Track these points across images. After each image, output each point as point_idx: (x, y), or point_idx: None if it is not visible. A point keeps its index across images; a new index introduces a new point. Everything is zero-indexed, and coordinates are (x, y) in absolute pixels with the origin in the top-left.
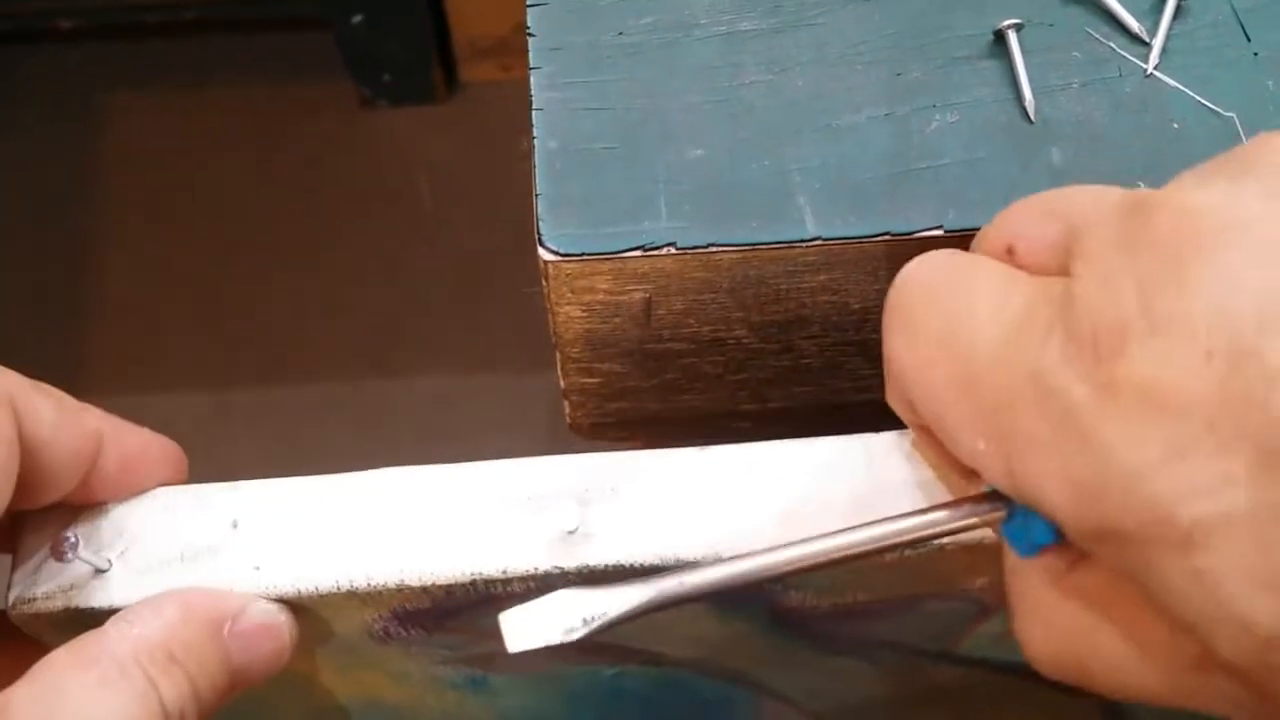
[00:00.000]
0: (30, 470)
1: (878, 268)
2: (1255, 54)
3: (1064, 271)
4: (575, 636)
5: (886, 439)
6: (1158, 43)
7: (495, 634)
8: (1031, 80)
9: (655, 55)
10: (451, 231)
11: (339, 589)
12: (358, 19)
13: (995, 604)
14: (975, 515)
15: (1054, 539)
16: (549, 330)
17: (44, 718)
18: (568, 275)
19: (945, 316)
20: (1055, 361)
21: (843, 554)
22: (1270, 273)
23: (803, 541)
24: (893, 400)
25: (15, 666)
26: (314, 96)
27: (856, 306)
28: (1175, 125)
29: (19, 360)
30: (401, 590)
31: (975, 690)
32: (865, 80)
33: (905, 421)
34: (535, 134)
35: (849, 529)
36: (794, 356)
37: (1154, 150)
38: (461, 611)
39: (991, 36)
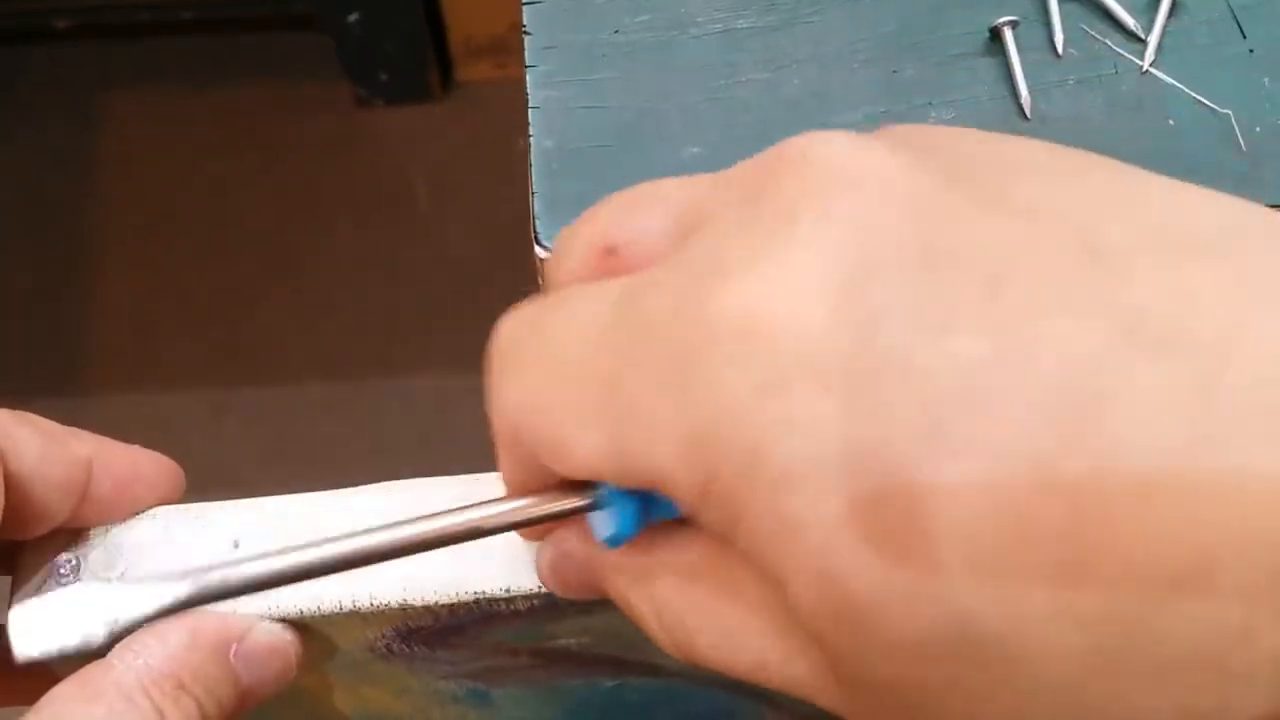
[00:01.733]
0: (19, 503)
1: None
2: (1250, 51)
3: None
4: (97, 643)
5: None
6: (1153, 40)
7: (499, 649)
8: (1027, 77)
9: (651, 54)
10: (448, 230)
11: (342, 609)
12: (354, 18)
13: None
14: (562, 502)
15: (639, 524)
16: None
17: None
18: None
19: (547, 344)
20: (664, 310)
21: (399, 546)
22: (885, 220)
23: (346, 538)
24: (504, 443)
25: (15, 689)
26: (311, 96)
27: None
28: (1171, 122)
29: (19, 359)
30: (405, 609)
31: None
32: (861, 78)
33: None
34: (531, 133)
35: (408, 521)
36: None
37: (1150, 147)
38: (465, 628)
39: (987, 34)
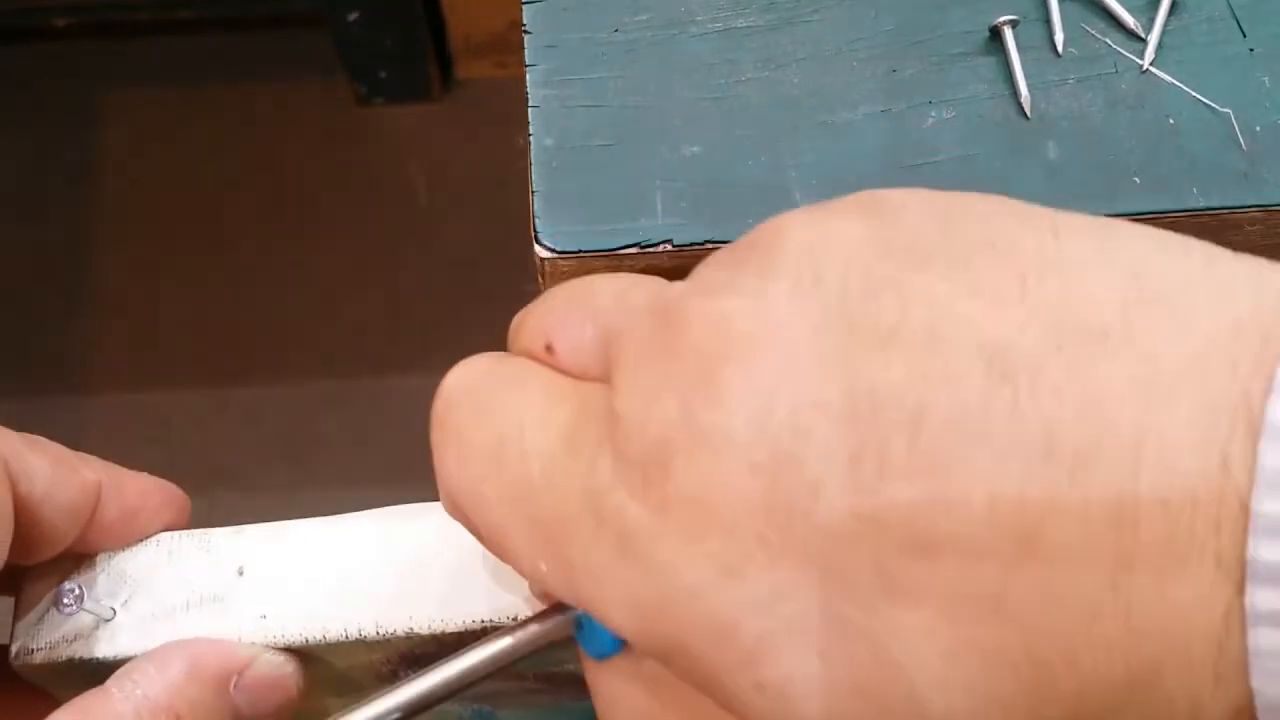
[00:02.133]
0: (27, 528)
1: None
2: (1251, 50)
3: (605, 377)
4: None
5: None
6: (1153, 39)
7: (504, 675)
8: (1027, 76)
9: (651, 52)
10: (448, 228)
11: (347, 638)
12: (354, 16)
13: None
14: (546, 633)
15: (621, 646)
16: None
17: None
18: (564, 272)
19: (494, 431)
20: (607, 483)
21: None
22: (802, 377)
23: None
24: (451, 514)
25: (17, 713)
26: (310, 93)
27: None
28: (1171, 121)
29: (18, 359)
30: (410, 638)
31: None
32: (861, 77)
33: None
34: (531, 131)
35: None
36: None
37: (1150, 146)
38: None
39: (987, 33)
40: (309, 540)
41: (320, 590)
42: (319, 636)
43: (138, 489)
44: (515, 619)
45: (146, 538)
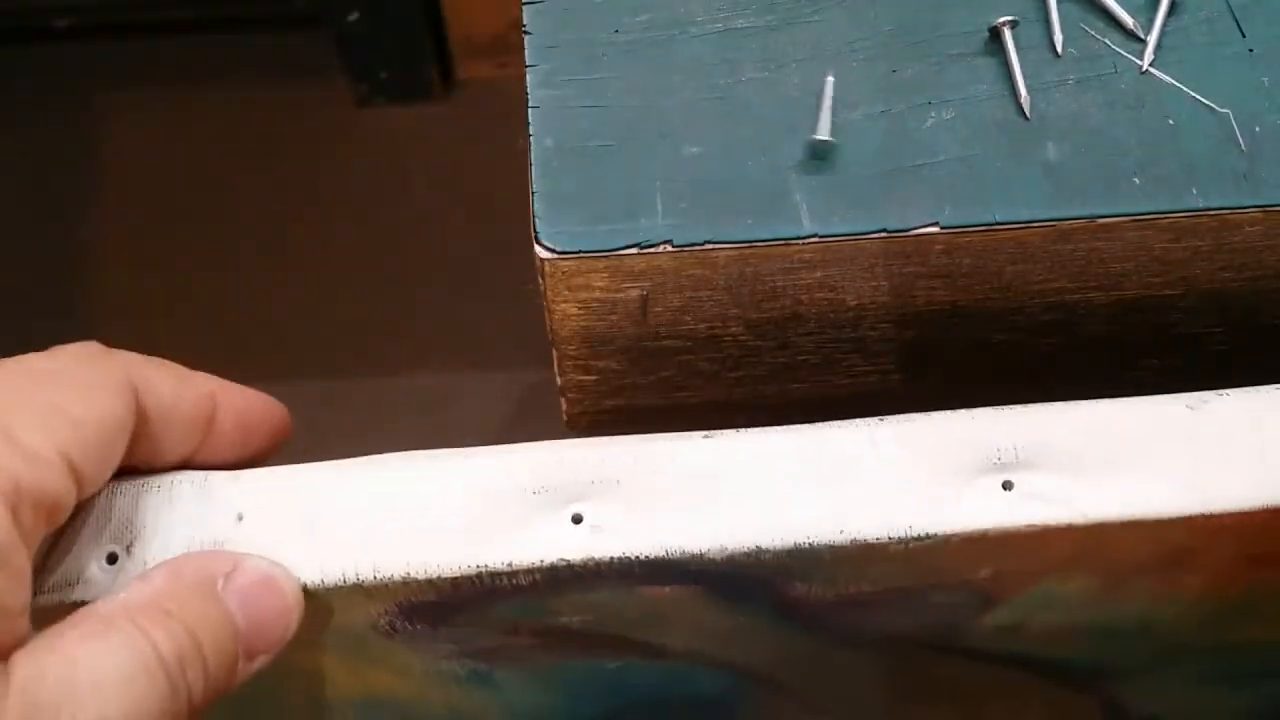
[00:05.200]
0: (153, 438)
1: (874, 265)
2: (1250, 50)
3: None
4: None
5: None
6: (1152, 39)
7: (500, 626)
8: (1026, 77)
9: (651, 53)
10: (448, 228)
11: (345, 581)
12: (354, 17)
13: (999, 595)
14: None
15: None
16: (546, 327)
17: (31, 678)
18: (564, 273)
19: None
20: None
21: None
22: None
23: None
24: None
25: None
26: (311, 94)
27: (852, 303)
28: (1170, 121)
29: None
30: (407, 583)
31: (978, 683)
32: (861, 77)
33: None
34: (531, 131)
35: None
36: (790, 353)
37: (1149, 146)
38: (466, 606)
39: (987, 33)
40: (306, 485)
41: (318, 535)
42: (317, 580)
43: (247, 401)
44: (509, 565)
45: (260, 450)
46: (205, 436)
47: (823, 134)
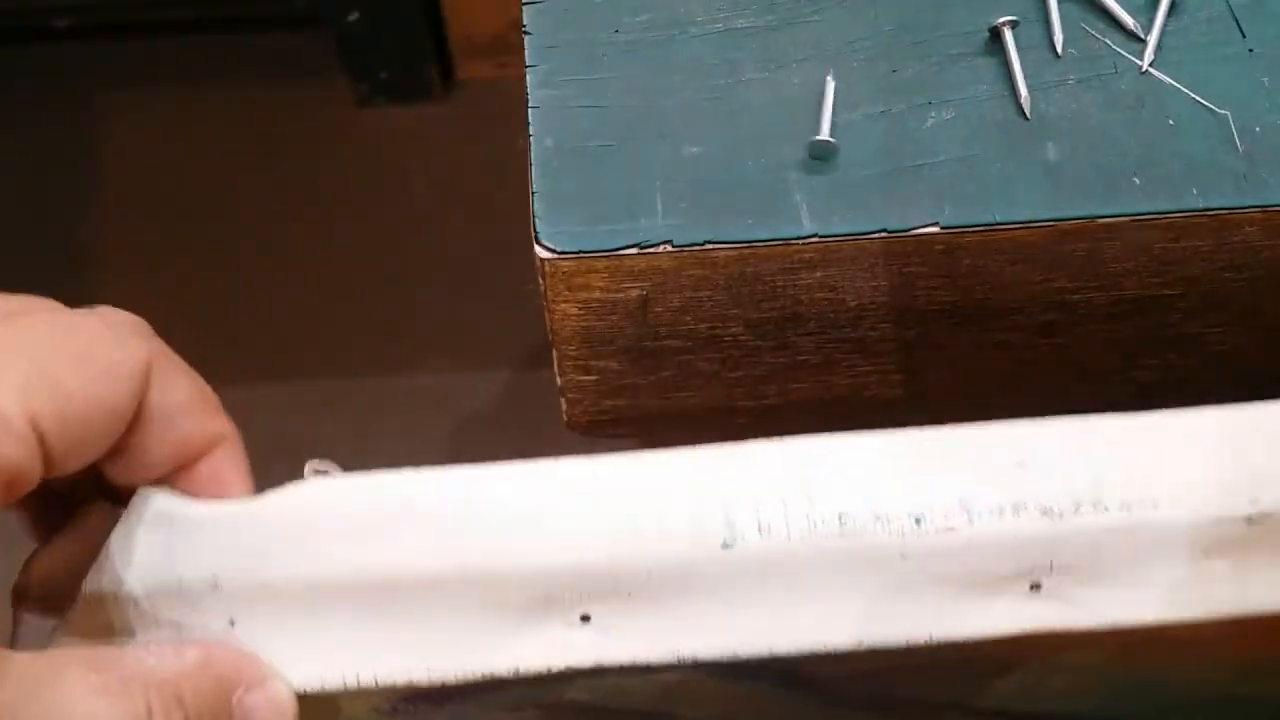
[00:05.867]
0: (145, 444)
1: (874, 265)
2: (1250, 50)
3: None
4: None
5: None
6: (1152, 39)
7: (505, 707)
8: (1027, 77)
9: (651, 53)
10: (448, 229)
11: (346, 688)
12: (354, 17)
13: (1015, 663)
14: None
15: None
16: (546, 328)
17: (24, 694)
18: (564, 273)
19: None
20: None
21: None
22: None
23: None
24: None
25: None
26: (311, 94)
27: (852, 303)
28: (1170, 121)
29: None
30: (410, 686)
31: None
32: (861, 77)
33: None
34: (531, 131)
35: None
36: (790, 353)
37: (1149, 146)
38: (471, 693)
39: (987, 33)
40: (295, 591)
41: (317, 640)
42: (317, 687)
43: (232, 460)
44: (516, 672)
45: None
46: (186, 467)
47: (823, 134)
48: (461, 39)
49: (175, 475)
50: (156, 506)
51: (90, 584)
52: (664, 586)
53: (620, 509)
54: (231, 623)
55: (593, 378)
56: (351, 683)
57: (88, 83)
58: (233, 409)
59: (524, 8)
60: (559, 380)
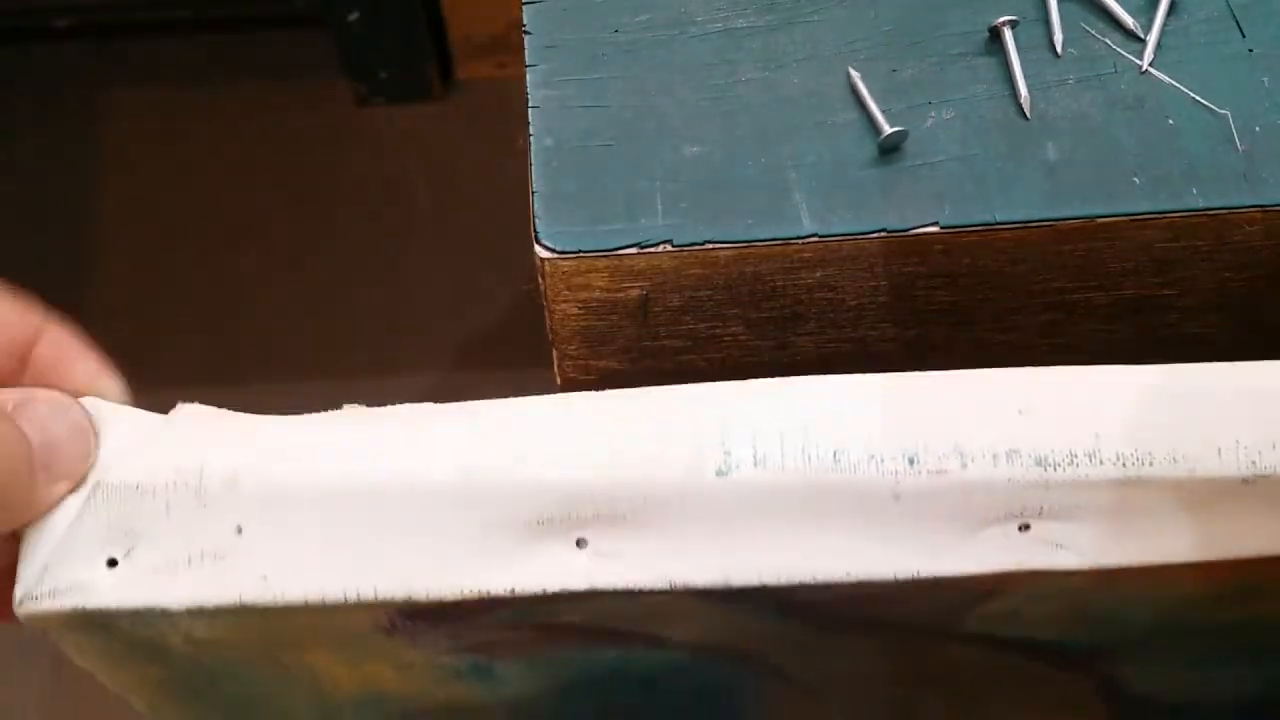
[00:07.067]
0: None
1: (874, 264)
2: (1250, 50)
3: None
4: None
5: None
6: (1152, 39)
7: (501, 625)
8: (1027, 77)
9: (651, 53)
10: (448, 229)
11: (346, 600)
12: (354, 16)
13: (998, 590)
14: None
15: None
16: (546, 327)
17: None
18: (564, 273)
19: None
20: None
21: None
22: None
23: None
24: None
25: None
26: (311, 94)
27: (852, 303)
28: (1170, 121)
29: None
30: (409, 601)
31: (978, 667)
32: (861, 77)
33: None
34: (531, 131)
35: None
36: (790, 353)
37: (1149, 146)
38: (468, 611)
39: (987, 33)
40: (309, 495)
41: (320, 552)
42: (318, 599)
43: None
44: (511, 591)
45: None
46: (31, 365)
47: (887, 128)
48: (461, 39)
49: (21, 375)
50: (193, 410)
51: (115, 474)
52: (658, 512)
53: (620, 435)
54: (239, 530)
55: (593, 378)
56: (352, 596)
57: (88, 83)
58: (233, 409)
59: (524, 8)
60: (559, 380)
